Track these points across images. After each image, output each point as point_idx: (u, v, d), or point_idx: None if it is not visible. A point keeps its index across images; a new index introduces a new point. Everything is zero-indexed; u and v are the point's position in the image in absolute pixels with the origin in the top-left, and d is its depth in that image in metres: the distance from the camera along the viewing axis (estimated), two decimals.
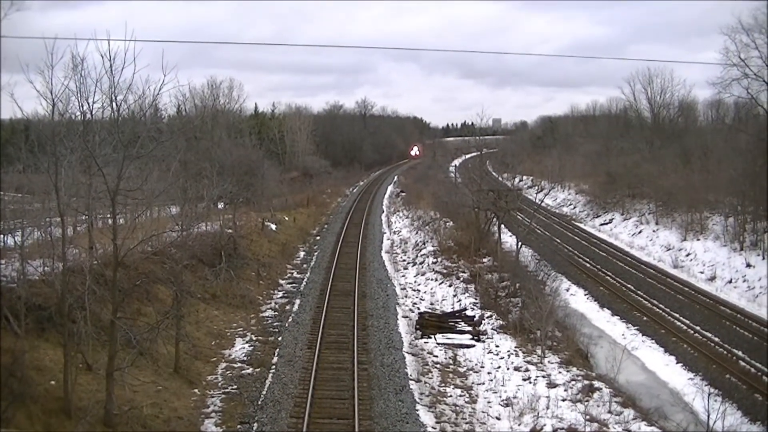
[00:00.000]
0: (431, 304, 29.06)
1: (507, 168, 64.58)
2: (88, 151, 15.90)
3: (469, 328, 24.91)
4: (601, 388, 19.63)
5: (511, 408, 18.30)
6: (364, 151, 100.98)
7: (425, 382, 19.89)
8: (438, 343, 23.62)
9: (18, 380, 14.16)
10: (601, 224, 54.26)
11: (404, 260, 37.86)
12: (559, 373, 20.94)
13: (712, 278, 35.10)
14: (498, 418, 17.82)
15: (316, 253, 38.64)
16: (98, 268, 19.07)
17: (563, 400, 18.79)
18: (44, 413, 14.08)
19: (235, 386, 18.95)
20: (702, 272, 36.31)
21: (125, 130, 15.73)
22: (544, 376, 20.62)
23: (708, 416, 15.95)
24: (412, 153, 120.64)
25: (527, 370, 21.25)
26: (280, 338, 23.33)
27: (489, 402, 18.88)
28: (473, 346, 23.57)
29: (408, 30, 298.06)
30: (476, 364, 21.84)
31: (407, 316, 26.55)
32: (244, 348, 22.41)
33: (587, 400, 18.77)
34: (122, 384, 15.37)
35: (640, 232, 47.70)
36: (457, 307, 27.84)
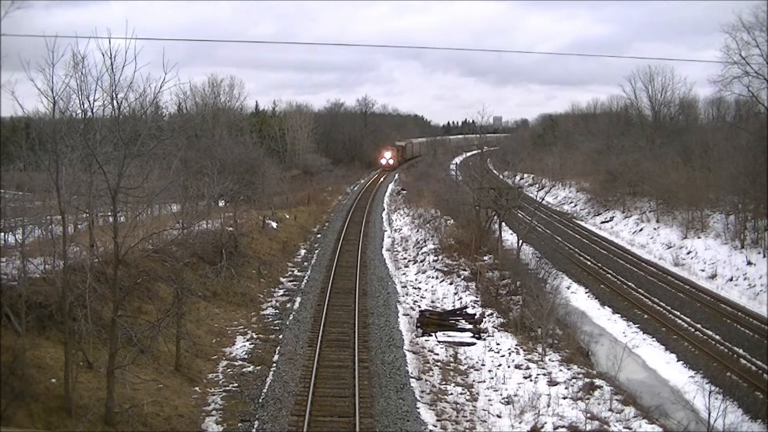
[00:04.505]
0: (432, 302, 29.06)
1: (508, 166, 64.44)
2: (88, 149, 15.87)
3: (470, 326, 24.91)
4: (602, 386, 19.65)
5: (512, 406, 18.32)
6: (365, 149, 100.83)
7: (426, 380, 19.90)
8: (439, 341, 23.63)
9: (19, 378, 14.17)
10: (602, 222, 54.24)
11: (405, 258, 37.86)
12: (560, 371, 20.95)
13: (713, 276, 35.08)
14: (499, 416, 17.83)
15: (316, 251, 38.64)
16: (99, 266, 19.10)
17: (564, 398, 18.80)
18: (45, 411, 14.09)
19: (236, 384, 18.97)
20: (703, 270, 36.31)
21: (126, 128, 15.72)
22: (544, 374, 20.64)
23: (709, 414, 15.93)
24: (383, 161, 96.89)
25: (528, 368, 21.27)
26: (280, 336, 23.35)
27: (490, 400, 18.89)
28: (474, 344, 23.58)
29: (411, 29, 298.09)
30: (477, 362, 21.85)
31: (408, 314, 26.56)
32: (244, 346, 22.42)
33: (588, 398, 18.79)
34: (123, 382, 15.37)
35: (640, 230, 47.69)
36: (457, 305, 27.83)
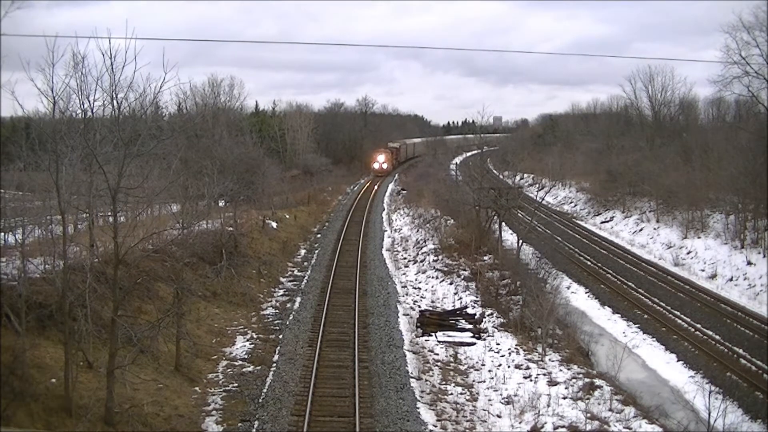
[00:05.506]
0: (432, 302, 29.06)
1: (508, 166, 64.56)
2: (88, 149, 15.87)
3: (470, 326, 24.91)
4: (602, 386, 19.66)
5: (512, 406, 18.32)
6: (365, 149, 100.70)
7: (426, 380, 19.89)
8: (439, 341, 23.63)
9: (19, 378, 14.18)
10: (602, 222, 54.25)
11: (405, 258, 37.86)
12: (560, 371, 20.96)
13: (713, 276, 35.09)
14: (499, 416, 17.83)
15: (316, 251, 38.64)
16: (99, 266, 19.11)
17: (564, 398, 18.81)
18: (45, 411, 14.09)
19: (236, 384, 18.98)
20: (703, 270, 36.31)
21: (126, 128, 15.72)
22: (544, 374, 20.64)
23: (709, 414, 15.93)
24: (375, 166, 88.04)
25: (528, 368, 21.27)
26: (280, 336, 23.35)
27: (490, 400, 18.89)
28: (474, 344, 23.59)
29: (412, 28, 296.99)
30: (477, 362, 21.85)
31: (408, 314, 26.56)
32: (244, 346, 22.43)
33: (588, 398, 18.79)
34: (123, 382, 15.38)
35: (640, 230, 47.70)
36: (457, 305, 27.83)
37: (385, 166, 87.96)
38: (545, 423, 17.14)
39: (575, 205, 63.70)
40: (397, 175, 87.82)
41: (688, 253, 39.27)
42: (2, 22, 13.73)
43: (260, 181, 44.18)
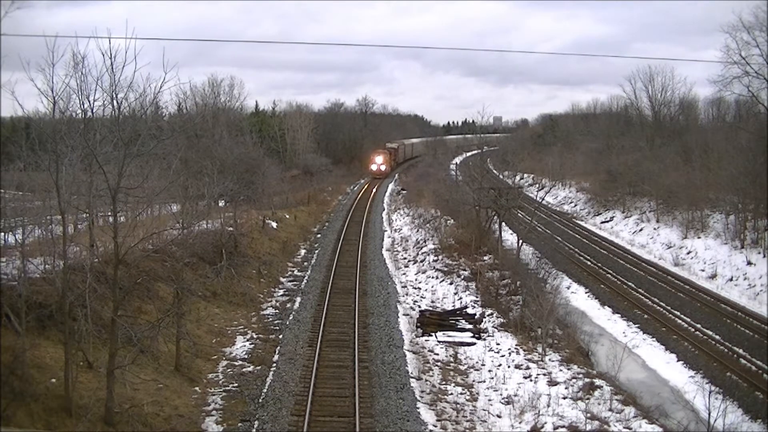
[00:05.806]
0: (432, 302, 29.06)
1: (508, 166, 64.57)
2: (88, 149, 15.88)
3: (470, 326, 24.91)
4: (602, 386, 19.67)
5: (512, 406, 18.32)
6: (365, 149, 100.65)
7: (426, 380, 19.90)
8: (439, 341, 23.63)
9: (19, 378, 14.19)
10: (602, 222, 54.25)
11: (405, 258, 37.86)
12: (560, 371, 20.96)
13: (713, 276, 35.09)
14: (499, 416, 17.84)
15: (316, 251, 38.64)
16: (99, 266, 19.12)
17: (564, 398, 18.81)
18: (45, 411, 14.10)
19: (236, 384, 18.98)
20: (703, 270, 36.31)
21: (126, 128, 15.73)
22: (545, 374, 20.65)
23: (709, 414, 15.94)
24: (373, 167, 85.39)
25: (528, 368, 21.27)
26: (280, 336, 23.35)
27: (490, 400, 18.90)
28: (474, 344, 23.59)
29: (412, 29, 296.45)
30: (477, 362, 21.86)
31: (408, 314, 26.56)
32: (244, 346, 22.43)
33: (588, 398, 18.80)
34: (123, 382, 15.39)
35: (640, 230, 47.70)
36: (457, 305, 27.83)
37: (383, 168, 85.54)
38: (545, 423, 17.15)
39: (575, 205, 63.69)
40: (397, 175, 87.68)
41: (688, 253, 39.28)
42: (2, 22, 13.75)
43: (260, 181, 44.17)
